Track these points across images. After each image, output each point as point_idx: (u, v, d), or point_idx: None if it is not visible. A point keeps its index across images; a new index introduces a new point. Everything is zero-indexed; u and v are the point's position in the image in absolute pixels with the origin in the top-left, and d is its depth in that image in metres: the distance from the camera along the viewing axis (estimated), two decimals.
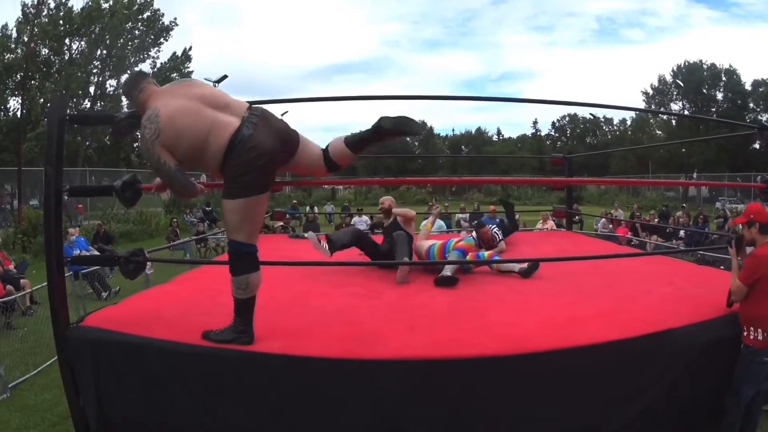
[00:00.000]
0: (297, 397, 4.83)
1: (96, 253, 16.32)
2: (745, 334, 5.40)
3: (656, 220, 24.71)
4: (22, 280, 13.06)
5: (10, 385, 7.80)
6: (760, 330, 5.30)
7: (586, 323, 5.51)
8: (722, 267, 13.18)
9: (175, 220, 25.84)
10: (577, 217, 21.07)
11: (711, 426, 5.73)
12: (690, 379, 5.36)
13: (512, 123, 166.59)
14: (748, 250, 5.95)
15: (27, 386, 8.03)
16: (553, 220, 17.56)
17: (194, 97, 4.72)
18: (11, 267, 13.80)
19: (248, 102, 5.03)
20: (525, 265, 7.76)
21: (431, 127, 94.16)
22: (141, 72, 5.21)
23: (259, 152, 4.60)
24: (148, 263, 5.98)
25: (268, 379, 4.84)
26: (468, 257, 8.08)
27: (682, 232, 20.58)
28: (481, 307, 6.23)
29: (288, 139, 4.89)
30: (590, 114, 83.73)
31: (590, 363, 5.06)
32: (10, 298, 10.84)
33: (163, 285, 7.46)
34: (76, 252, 14.49)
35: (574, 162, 13.19)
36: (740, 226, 5.97)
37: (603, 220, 23.83)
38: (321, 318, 5.23)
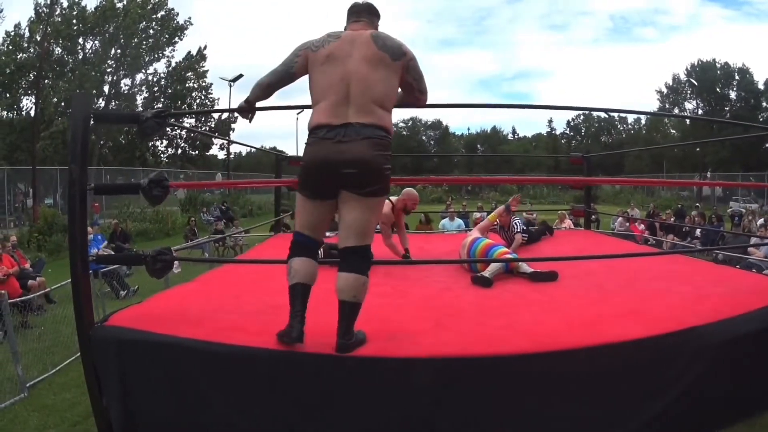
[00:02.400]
0: (329, 396, 4.83)
1: (109, 251, 16.40)
2: None
3: (672, 219, 24.94)
4: (33, 280, 13.13)
5: (28, 385, 7.78)
6: None
7: (611, 321, 5.55)
8: (738, 266, 13.23)
9: (192, 218, 26.01)
10: (594, 216, 21.12)
11: (731, 422, 5.75)
12: (712, 377, 5.39)
13: (527, 122, 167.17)
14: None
15: (45, 386, 8.00)
16: (570, 219, 17.71)
17: None
18: (27, 266, 13.84)
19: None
20: (538, 269, 7.73)
21: (447, 126, 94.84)
22: None
23: None
24: (176, 262, 5.96)
25: (300, 378, 4.83)
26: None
27: (698, 231, 20.62)
28: (507, 306, 6.26)
29: None
30: (606, 114, 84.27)
31: (617, 360, 5.09)
32: (27, 297, 10.76)
33: (186, 284, 7.44)
34: (94, 251, 14.52)
35: (591, 161, 13.20)
36: None
37: (620, 219, 23.82)
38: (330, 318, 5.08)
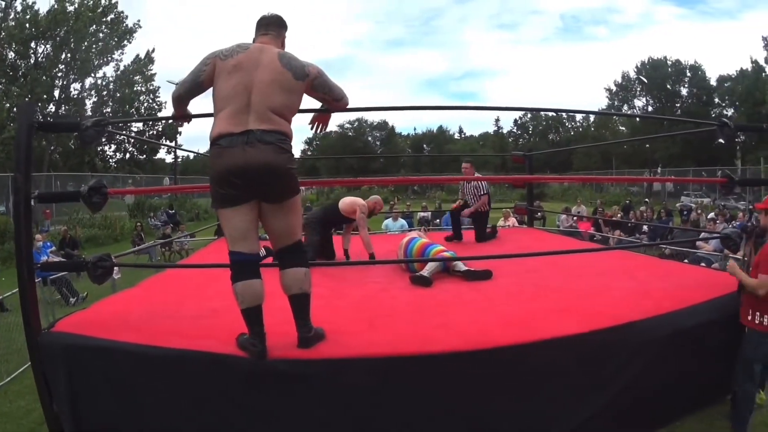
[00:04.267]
0: (266, 398, 4.93)
1: (58, 258, 16.38)
2: (750, 318, 5.81)
3: (619, 215, 25.02)
4: None
5: None
6: (766, 316, 5.70)
7: (546, 318, 5.67)
8: (686, 260, 13.48)
9: (139, 223, 26.11)
10: (539, 213, 21.26)
11: (679, 416, 6.01)
12: (655, 372, 5.57)
13: (474, 121, 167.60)
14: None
15: (1, 394, 8.04)
16: (515, 217, 17.74)
17: None
18: None
19: None
20: (472, 268, 7.85)
21: (393, 126, 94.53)
22: None
23: None
24: (116, 268, 6.08)
25: (236, 381, 4.92)
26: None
27: (645, 227, 20.84)
28: (443, 306, 6.35)
29: None
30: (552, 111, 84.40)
31: (551, 357, 5.20)
32: None
33: (130, 289, 7.51)
34: (43, 258, 14.55)
35: (537, 159, 13.44)
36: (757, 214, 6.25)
37: (564, 216, 23.96)
38: (283, 319, 5.19)
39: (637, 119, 66.58)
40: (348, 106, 5.56)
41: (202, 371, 4.96)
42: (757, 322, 5.73)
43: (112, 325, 5.48)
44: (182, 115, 5.44)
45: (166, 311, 5.90)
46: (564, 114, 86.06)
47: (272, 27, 5.21)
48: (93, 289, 12.28)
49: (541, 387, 5.24)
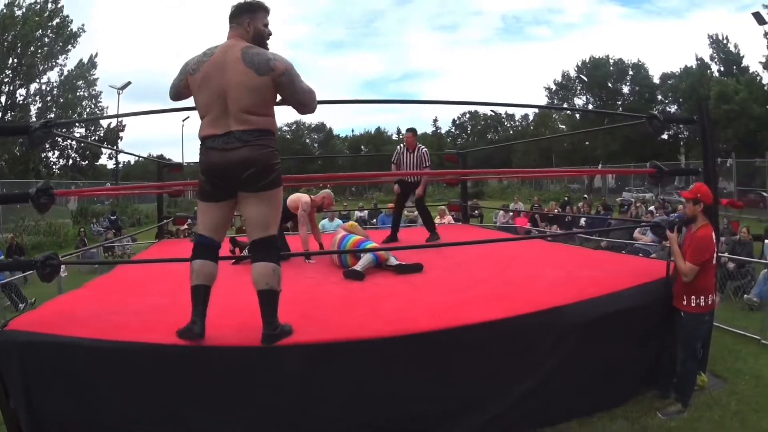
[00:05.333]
0: (207, 386, 5.23)
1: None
2: (685, 303, 6.31)
3: (556, 210, 25.28)
4: None
5: None
6: (702, 297, 6.26)
7: (473, 306, 6.01)
8: (624, 251, 13.92)
9: (82, 229, 26.19)
10: (476, 211, 21.62)
11: (618, 397, 6.37)
12: (582, 355, 5.93)
13: (413, 121, 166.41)
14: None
15: None
16: (452, 215, 17.93)
17: None
18: None
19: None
20: (403, 262, 8.19)
21: (330, 128, 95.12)
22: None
23: None
24: (62, 267, 6.37)
25: (177, 369, 5.20)
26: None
27: (583, 221, 21.18)
28: (373, 297, 6.69)
29: None
30: (491, 111, 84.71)
31: (475, 342, 5.53)
32: None
33: (77, 290, 7.70)
34: None
35: (476, 158, 13.83)
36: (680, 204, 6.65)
37: (501, 212, 24.20)
38: (220, 311, 5.54)
39: (577, 117, 67.10)
40: (313, 113, 5.63)
41: (147, 362, 5.22)
42: (693, 305, 6.22)
43: (61, 323, 5.72)
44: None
45: (111, 308, 6.14)
46: (503, 113, 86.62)
47: (234, 18, 5.29)
48: (40, 295, 12.49)
49: (466, 371, 5.57)
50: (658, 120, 7.49)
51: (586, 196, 36.19)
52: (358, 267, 7.96)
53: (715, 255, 6.45)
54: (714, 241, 6.37)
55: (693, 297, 6.25)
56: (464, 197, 15.01)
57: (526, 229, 20.71)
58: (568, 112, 71.43)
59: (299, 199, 9.98)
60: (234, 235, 11.18)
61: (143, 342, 5.27)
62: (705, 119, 7.31)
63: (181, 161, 17.17)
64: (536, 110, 76.82)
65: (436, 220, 17.57)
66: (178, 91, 5.40)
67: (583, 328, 5.93)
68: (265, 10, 5.40)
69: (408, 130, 12.25)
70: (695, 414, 6.26)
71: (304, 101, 5.39)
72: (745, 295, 11.26)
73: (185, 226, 19.48)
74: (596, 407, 6.19)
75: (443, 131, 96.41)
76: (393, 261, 8.20)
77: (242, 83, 5.02)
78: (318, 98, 5.50)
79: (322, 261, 9.33)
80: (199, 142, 5.22)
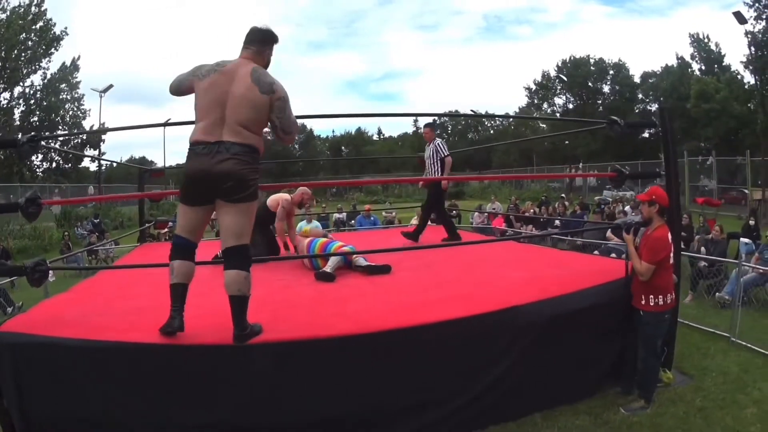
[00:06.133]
0: (184, 381, 5.52)
1: None
2: (644, 302, 6.58)
3: (532, 210, 25.20)
4: None
5: None
6: (660, 297, 6.53)
7: (436, 305, 6.24)
8: (596, 252, 14.10)
9: (66, 233, 26.30)
10: (454, 211, 21.68)
11: (574, 398, 6.58)
12: (541, 352, 6.20)
13: (394, 122, 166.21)
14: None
15: None
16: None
17: None
18: None
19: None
20: (372, 263, 8.42)
21: (311, 129, 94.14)
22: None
23: None
24: (50, 272, 6.61)
25: (158, 366, 5.50)
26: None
27: (557, 222, 21.18)
28: (341, 298, 6.95)
29: None
30: (471, 110, 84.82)
31: (436, 339, 5.80)
32: None
33: (63, 294, 7.90)
34: None
35: (456, 158, 13.84)
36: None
37: (476, 213, 24.32)
38: (196, 312, 5.77)
39: (558, 116, 67.29)
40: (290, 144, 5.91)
41: (130, 360, 5.50)
42: (652, 304, 6.49)
43: (50, 324, 5.96)
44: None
45: (97, 310, 6.39)
46: (483, 113, 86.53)
47: (254, 43, 5.62)
48: (28, 299, 12.66)
49: (427, 367, 5.85)
50: (619, 125, 7.65)
51: (563, 195, 36.34)
52: (327, 268, 8.21)
53: (671, 255, 6.67)
54: (670, 241, 6.60)
55: (651, 296, 6.51)
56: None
57: (502, 230, 20.77)
58: (530, 120, 71.48)
59: (279, 197, 10.21)
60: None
61: (127, 341, 5.53)
62: (666, 123, 7.49)
63: (162, 165, 17.32)
64: (517, 110, 76.60)
65: (413, 221, 17.71)
66: (180, 87, 5.64)
67: (542, 326, 6.20)
68: (277, 43, 5.82)
69: (425, 125, 12.45)
70: (659, 410, 6.47)
71: (289, 129, 5.73)
72: (717, 294, 11.43)
73: (166, 230, 19.67)
74: (558, 402, 6.46)
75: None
76: (362, 262, 8.44)
77: (245, 96, 5.32)
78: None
79: (294, 264, 9.57)
80: (188, 146, 5.43)
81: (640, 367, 6.60)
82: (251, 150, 5.43)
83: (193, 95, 5.54)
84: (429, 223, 11.99)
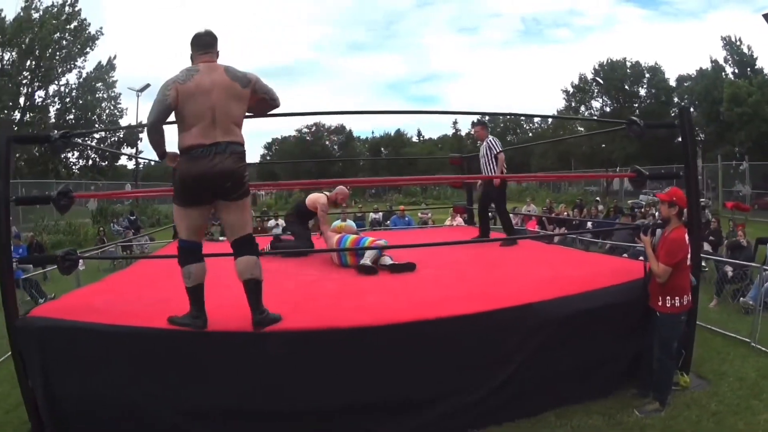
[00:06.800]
0: (203, 366, 5.76)
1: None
2: (660, 303, 6.57)
3: (565, 213, 25.34)
4: None
5: None
6: (677, 298, 6.51)
7: (454, 301, 6.35)
8: (625, 255, 14.03)
9: (102, 229, 26.35)
10: (490, 213, 21.66)
11: (594, 393, 6.65)
12: (556, 350, 6.26)
13: (433, 123, 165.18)
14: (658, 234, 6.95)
15: None
16: (463, 217, 17.94)
17: None
18: None
19: None
20: (397, 262, 8.51)
21: (350, 130, 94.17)
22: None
23: None
24: (80, 261, 6.86)
25: (179, 352, 5.76)
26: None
27: (589, 224, 21.13)
28: (363, 292, 7.11)
29: None
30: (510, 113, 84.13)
31: (450, 333, 5.93)
32: None
33: (94, 284, 8.20)
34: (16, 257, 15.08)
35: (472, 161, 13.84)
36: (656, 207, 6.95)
37: (510, 215, 24.01)
38: (221, 302, 6.04)
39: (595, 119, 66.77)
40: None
41: (153, 345, 5.78)
42: (668, 305, 6.49)
43: (79, 311, 6.23)
44: (169, 157, 5.83)
45: (125, 299, 6.58)
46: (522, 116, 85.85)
47: (210, 46, 5.78)
48: (59, 291, 12.82)
49: (442, 360, 5.98)
50: (638, 125, 7.69)
51: (597, 198, 36.17)
52: (367, 261, 8.41)
53: (689, 256, 6.75)
54: (687, 242, 6.66)
55: (668, 297, 6.51)
56: (470, 200, 15.06)
57: (534, 232, 20.49)
58: (544, 118, 71.15)
59: (317, 199, 10.35)
60: (278, 234, 11.70)
61: (151, 327, 5.80)
62: (685, 124, 7.49)
63: None
64: (555, 112, 75.82)
65: (447, 222, 17.73)
66: (164, 106, 5.50)
67: (557, 324, 6.27)
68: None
69: (476, 122, 12.54)
70: (673, 413, 6.48)
71: (274, 95, 6.00)
72: (741, 299, 11.29)
73: None
74: (573, 401, 6.50)
75: (463, 133, 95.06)
76: (387, 261, 8.55)
77: (230, 95, 5.56)
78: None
79: (323, 260, 9.68)
80: (180, 152, 5.63)
81: (656, 369, 6.60)
82: (243, 146, 5.72)
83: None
84: (464, 223, 11.94)
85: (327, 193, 10.56)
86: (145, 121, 5.63)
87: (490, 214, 11.73)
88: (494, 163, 11.09)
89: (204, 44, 5.77)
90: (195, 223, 5.82)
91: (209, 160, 5.44)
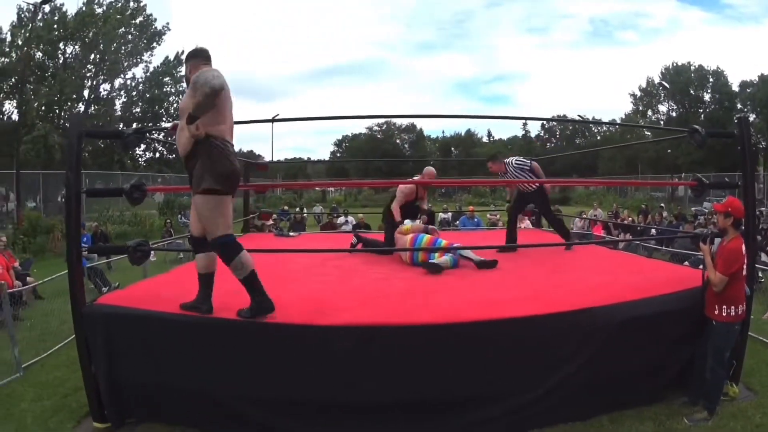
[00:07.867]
0: (265, 356, 5.89)
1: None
2: (717, 312, 6.53)
3: (629, 219, 25.10)
4: (23, 278, 13.85)
5: (23, 366, 8.57)
6: (732, 307, 6.48)
7: (512, 303, 6.44)
8: (686, 263, 13.80)
9: (168, 221, 26.57)
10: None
11: (645, 398, 6.66)
12: (613, 353, 6.27)
13: (503, 124, 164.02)
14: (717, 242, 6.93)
15: (38, 367, 8.79)
16: (530, 220, 17.96)
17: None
18: (16, 264, 14.57)
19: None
20: (482, 258, 8.65)
21: (421, 129, 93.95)
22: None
23: None
24: (152, 252, 6.97)
25: (242, 341, 5.92)
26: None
27: (653, 231, 20.94)
28: (429, 291, 7.16)
29: None
30: (578, 115, 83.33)
31: (510, 334, 6.01)
32: (22, 288, 11.70)
33: (161, 275, 8.43)
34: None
35: (563, 164, 13.79)
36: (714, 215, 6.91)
37: (577, 219, 24.24)
38: (291, 296, 6.21)
39: (662, 124, 66.02)
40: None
41: (216, 334, 5.98)
42: (724, 314, 6.45)
43: (144, 299, 6.50)
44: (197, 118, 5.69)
45: (191, 291, 6.58)
46: (591, 118, 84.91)
47: (210, 58, 6.05)
48: (124, 281, 13.06)
49: (500, 360, 6.03)
50: (700, 134, 7.70)
51: (662, 205, 35.87)
52: (440, 262, 8.53)
53: (744, 266, 6.69)
54: (743, 253, 6.62)
55: (724, 306, 6.49)
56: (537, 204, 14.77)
57: (600, 237, 20.56)
58: (590, 125, 70.27)
59: (401, 189, 10.76)
60: (358, 231, 11.82)
61: (218, 317, 6.01)
62: (744, 134, 7.44)
63: (269, 159, 17.67)
64: (623, 116, 75.15)
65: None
66: (223, 85, 5.62)
67: (614, 329, 6.27)
68: None
69: (488, 160, 11.70)
70: (719, 423, 6.46)
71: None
72: None
73: (270, 222, 20.00)
74: (626, 406, 6.53)
75: (533, 135, 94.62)
76: (474, 257, 8.72)
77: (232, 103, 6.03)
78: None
79: (395, 259, 9.81)
80: (218, 141, 5.78)
81: (708, 378, 6.59)
82: None
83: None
84: (531, 225, 11.83)
85: (417, 176, 10.90)
86: (209, 86, 5.50)
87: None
88: (531, 175, 10.79)
89: (208, 57, 6.07)
90: (230, 214, 6.07)
91: (236, 157, 5.85)
